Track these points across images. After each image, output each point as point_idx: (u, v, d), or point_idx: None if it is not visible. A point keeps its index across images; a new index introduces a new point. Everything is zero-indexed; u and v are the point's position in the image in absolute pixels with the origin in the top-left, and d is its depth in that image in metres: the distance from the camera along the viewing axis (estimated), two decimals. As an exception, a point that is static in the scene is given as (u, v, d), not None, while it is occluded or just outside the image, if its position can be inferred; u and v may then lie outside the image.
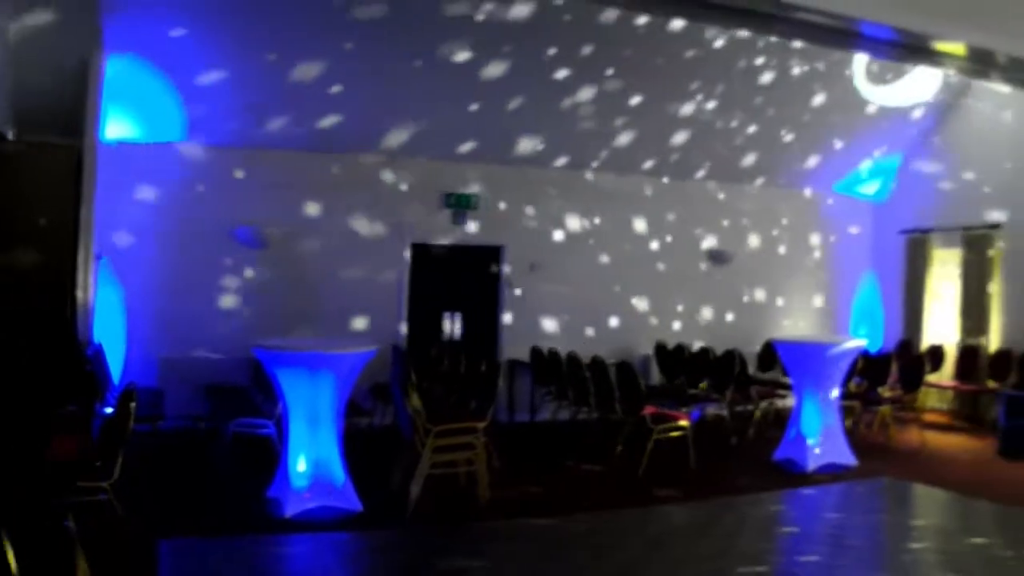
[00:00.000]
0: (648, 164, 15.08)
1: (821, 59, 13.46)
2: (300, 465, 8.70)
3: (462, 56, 11.96)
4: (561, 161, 14.56)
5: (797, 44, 12.46)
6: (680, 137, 14.54)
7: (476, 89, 12.55)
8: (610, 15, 11.63)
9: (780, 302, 16.78)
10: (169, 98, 11.72)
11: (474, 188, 14.18)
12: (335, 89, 12.12)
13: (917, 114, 15.59)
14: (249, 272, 12.94)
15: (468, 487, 9.48)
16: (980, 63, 7.65)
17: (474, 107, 12.95)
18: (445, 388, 11.75)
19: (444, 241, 14.15)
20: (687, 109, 13.94)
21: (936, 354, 15.48)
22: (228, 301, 12.80)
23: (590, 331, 14.86)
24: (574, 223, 14.90)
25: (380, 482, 9.52)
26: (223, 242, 12.76)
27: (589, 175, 14.94)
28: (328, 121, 12.68)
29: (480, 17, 11.30)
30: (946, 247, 16.25)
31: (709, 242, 16.03)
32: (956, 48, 7.19)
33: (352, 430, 9.71)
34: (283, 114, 12.45)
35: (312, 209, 13.29)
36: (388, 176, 13.68)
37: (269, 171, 12.98)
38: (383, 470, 9.92)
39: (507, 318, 14.55)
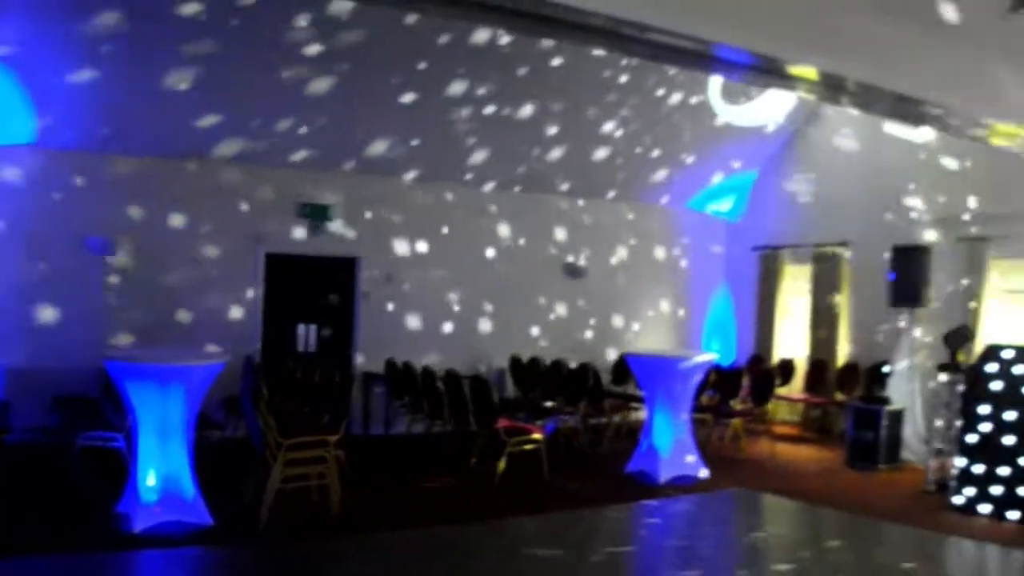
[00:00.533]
0: (503, 177, 14.99)
1: (678, 77, 13.59)
2: (150, 479, 8.30)
3: (321, 66, 11.71)
4: (418, 173, 14.36)
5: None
6: (536, 151, 14.51)
7: (332, 100, 12.27)
8: (479, 34, 11.61)
9: (635, 316, 16.88)
10: (18, 100, 11.20)
11: (330, 199, 13.89)
12: (192, 96, 11.68)
13: (770, 133, 15.89)
14: (100, 281, 12.40)
15: (320, 501, 9.21)
16: (831, 87, 7.82)
17: (330, 118, 12.67)
18: (298, 401, 11.47)
19: (300, 252, 13.81)
20: (543, 123, 13.92)
21: (787, 368, 15.77)
22: (78, 311, 12.23)
23: (445, 344, 14.67)
24: (431, 236, 14.72)
25: (231, 496, 9.18)
26: (73, 250, 12.18)
27: (446, 188, 14.79)
28: (183, 129, 12.21)
29: (332, 26, 11.10)
30: (797, 263, 16.58)
31: (564, 256, 16.04)
32: (808, 72, 7.30)
33: (204, 443, 9.36)
34: (137, 121, 11.93)
35: (165, 218, 12.83)
36: (244, 186, 13.29)
37: (122, 179, 12.40)
38: (234, 484, 9.58)
39: (362, 330, 14.28)
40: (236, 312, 13.27)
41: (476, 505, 9.86)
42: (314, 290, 14.17)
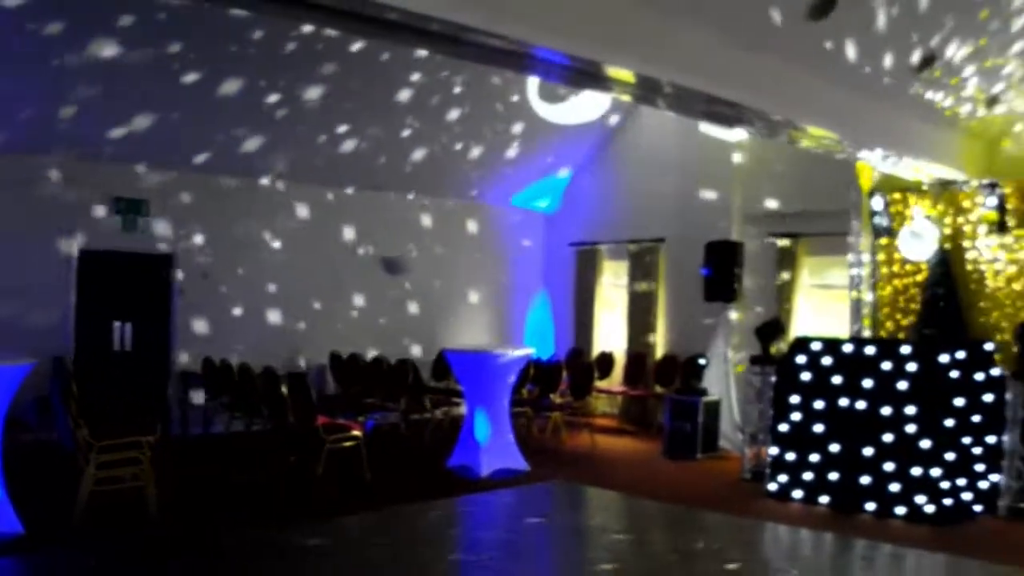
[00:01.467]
0: (325, 173, 14.72)
1: (499, 75, 13.58)
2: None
3: (136, 57, 11.20)
4: (236, 169, 13.89)
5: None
6: (358, 147, 14.28)
7: (151, 93, 11.78)
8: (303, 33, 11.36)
9: (455, 311, 16.84)
10: None
11: (146, 194, 13.36)
12: (2, 88, 11.08)
13: (587, 131, 16.04)
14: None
15: (136, 503, 8.84)
16: (647, 90, 7.94)
17: (149, 112, 12.16)
18: (113, 401, 11.02)
19: (114, 248, 13.21)
20: (367, 120, 13.73)
21: (606, 361, 15.99)
22: None
23: (264, 341, 14.28)
24: (250, 232, 14.33)
25: (42, 501, 8.74)
26: None
27: (265, 183, 14.42)
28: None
29: (149, 18, 10.66)
30: (614, 259, 16.84)
31: (386, 252, 15.86)
32: (625, 75, 7.38)
33: (13, 447, 8.84)
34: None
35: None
36: (56, 179, 12.60)
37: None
38: (45, 488, 9.13)
39: (180, 328, 13.79)
40: (47, 311, 12.56)
41: (295, 504, 9.64)
42: (129, 288, 13.57)
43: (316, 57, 12.12)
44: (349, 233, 15.36)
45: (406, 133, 14.37)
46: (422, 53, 12.22)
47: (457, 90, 13.76)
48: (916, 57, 9.50)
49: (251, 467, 11.10)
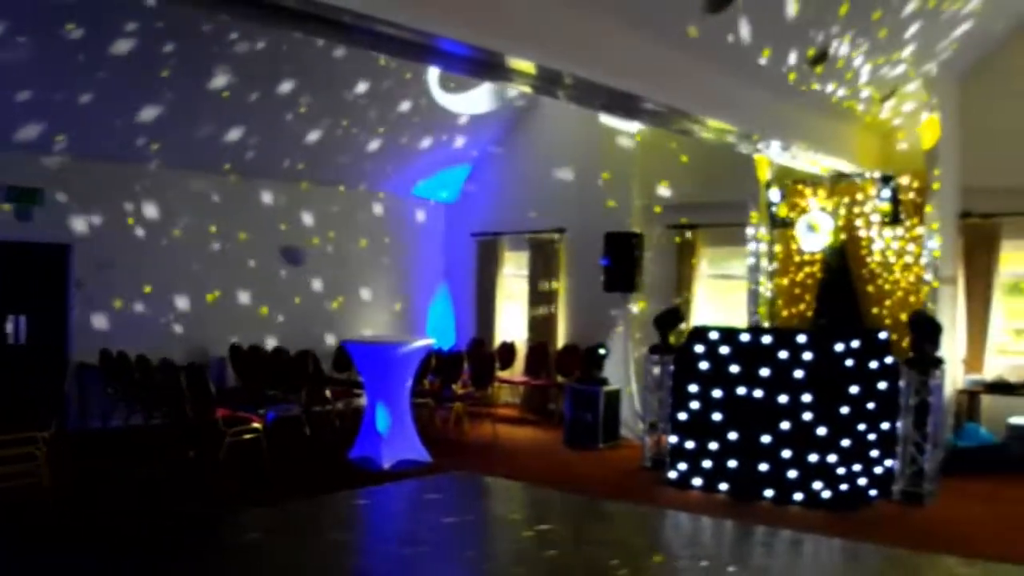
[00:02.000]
0: (225, 162, 14.46)
1: (400, 64, 13.47)
2: None
3: (28, 42, 10.83)
4: (134, 157, 13.54)
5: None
6: (259, 136, 14.05)
7: (46, 77, 11.44)
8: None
9: (356, 302, 16.71)
10: None
11: (41, 183, 12.93)
12: None
13: (489, 122, 16.04)
14: None
15: (31, 500, 8.61)
16: (548, 82, 7.96)
17: (41, 93, 11.79)
18: (5, 396, 10.72)
19: (7, 238, 12.75)
20: (266, 107, 13.50)
21: (507, 351, 16.01)
22: None
23: (162, 333, 13.99)
24: (149, 221, 13.98)
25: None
26: None
27: (165, 172, 14.08)
28: None
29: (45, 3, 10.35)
30: (516, 250, 16.87)
31: (285, 242, 15.64)
32: (526, 67, 7.39)
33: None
34: None
35: None
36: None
37: None
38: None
39: (76, 320, 13.43)
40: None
41: (194, 497, 9.47)
42: (23, 279, 13.10)
43: (213, 43, 11.90)
44: (249, 223, 15.09)
45: (304, 120, 14.17)
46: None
47: (356, 77, 13.61)
48: (811, 52, 9.69)
49: (150, 461, 10.89)
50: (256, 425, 10.74)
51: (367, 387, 11.58)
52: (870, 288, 12.20)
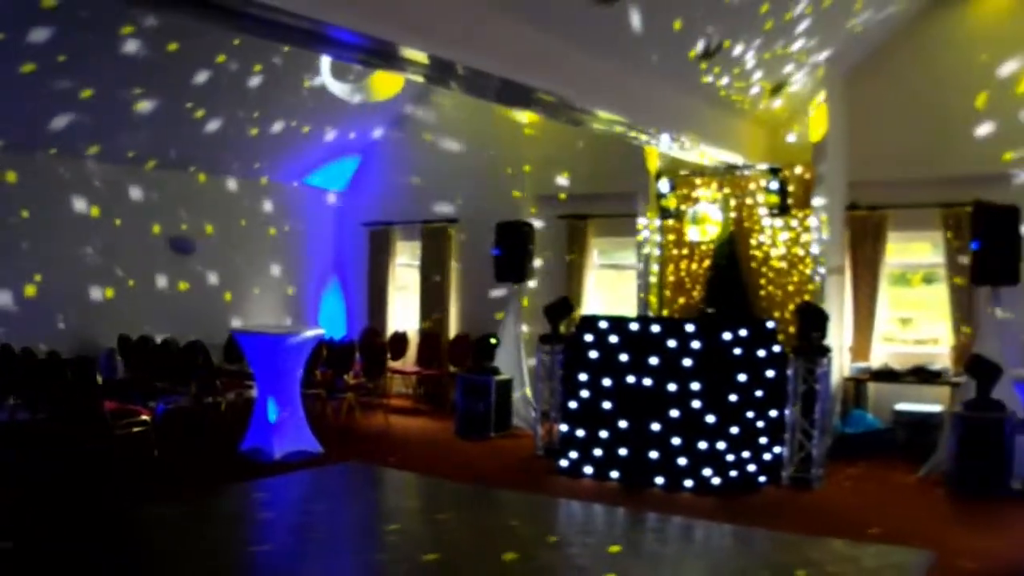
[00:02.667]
0: (114, 150, 14.02)
1: (297, 54, 13.26)
2: None
3: None
4: (6, 142, 13.14)
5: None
6: (150, 122, 13.66)
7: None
8: None
9: (246, 292, 16.45)
10: None
11: None
12: None
13: (382, 111, 15.91)
14: None
15: None
16: (440, 72, 7.94)
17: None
18: None
19: None
20: (160, 95, 13.16)
21: (399, 341, 15.91)
22: None
23: (49, 324, 13.58)
24: (27, 209, 13.54)
25: None
26: None
27: (41, 158, 13.64)
28: None
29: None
30: (408, 239, 16.80)
31: (175, 233, 15.29)
32: (419, 56, 7.35)
33: None
34: None
35: None
36: None
37: None
38: None
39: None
40: None
41: (81, 493, 9.21)
42: None
43: (107, 25, 11.59)
44: (139, 213, 14.70)
45: (196, 109, 13.87)
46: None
47: (249, 65, 13.36)
48: (701, 46, 9.80)
49: (35, 456, 10.56)
50: (145, 417, 10.54)
51: (258, 378, 11.41)
52: (758, 278, 12.41)
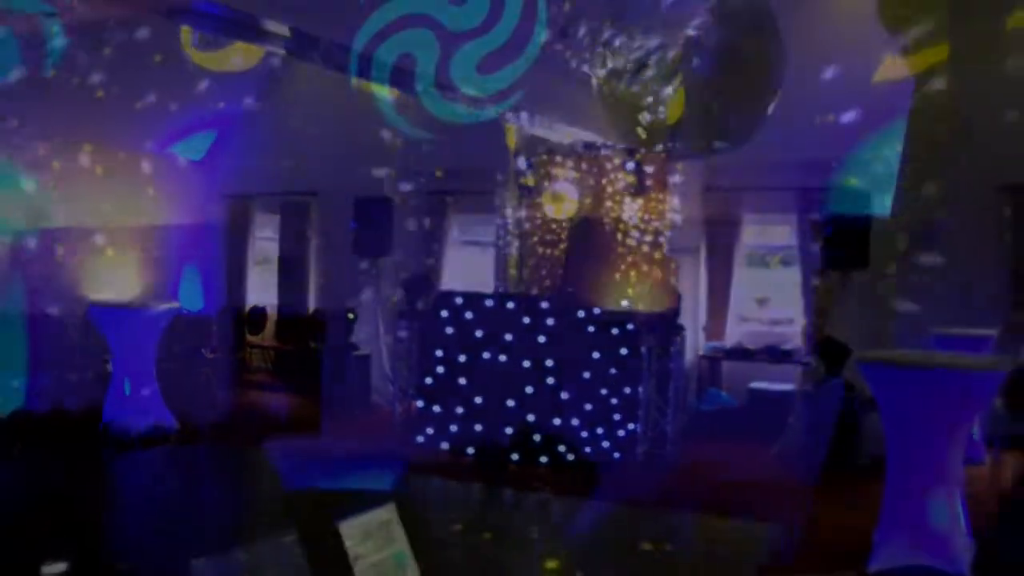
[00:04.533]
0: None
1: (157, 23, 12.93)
2: None
3: None
4: None
5: None
6: None
7: None
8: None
9: (100, 263, 16.02)
10: None
11: None
12: None
13: (243, 82, 15.65)
14: None
15: None
16: (303, 45, 7.87)
17: None
18: None
19: None
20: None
21: (258, 316, 15.73)
22: None
23: None
24: None
25: None
26: None
27: None
28: None
29: None
30: (267, 212, 16.59)
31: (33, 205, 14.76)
32: (281, 29, 7.29)
33: None
34: None
35: None
36: None
37: None
38: None
39: None
40: None
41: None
42: None
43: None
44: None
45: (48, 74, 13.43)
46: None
47: (104, 34, 13.00)
48: (559, 24, 9.88)
49: None
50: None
51: (113, 353, 11.16)
52: (614, 257, 12.57)
